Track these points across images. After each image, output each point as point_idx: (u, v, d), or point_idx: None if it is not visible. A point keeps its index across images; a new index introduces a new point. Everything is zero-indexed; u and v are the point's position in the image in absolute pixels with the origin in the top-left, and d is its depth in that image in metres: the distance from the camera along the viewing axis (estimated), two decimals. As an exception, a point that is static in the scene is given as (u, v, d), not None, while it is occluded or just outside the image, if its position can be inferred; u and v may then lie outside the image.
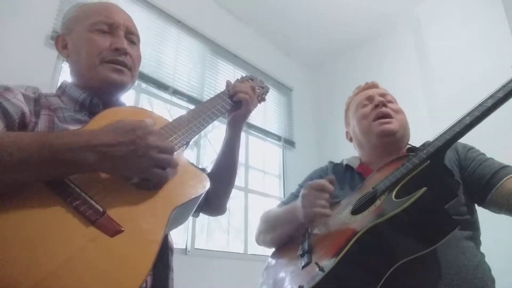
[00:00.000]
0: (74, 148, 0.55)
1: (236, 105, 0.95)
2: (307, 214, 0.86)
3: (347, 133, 1.18)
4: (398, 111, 1.05)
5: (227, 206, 1.01)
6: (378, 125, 1.00)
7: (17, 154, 0.52)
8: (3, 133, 0.60)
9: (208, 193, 0.74)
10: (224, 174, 0.97)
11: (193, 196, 0.68)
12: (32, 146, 0.53)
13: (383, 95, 1.08)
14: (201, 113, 0.84)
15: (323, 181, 0.88)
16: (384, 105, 1.03)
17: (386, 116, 1.01)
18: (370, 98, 1.08)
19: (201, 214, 1.00)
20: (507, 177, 0.83)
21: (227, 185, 0.98)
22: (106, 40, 0.80)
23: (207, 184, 0.73)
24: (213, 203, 0.96)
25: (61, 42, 0.85)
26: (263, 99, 1.07)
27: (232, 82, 1.02)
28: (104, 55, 0.79)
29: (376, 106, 1.03)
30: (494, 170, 0.86)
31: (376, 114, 1.02)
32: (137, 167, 0.61)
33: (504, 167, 0.87)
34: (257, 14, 3.05)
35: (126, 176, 0.63)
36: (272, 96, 3.20)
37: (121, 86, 0.82)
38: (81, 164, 0.56)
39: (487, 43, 2.36)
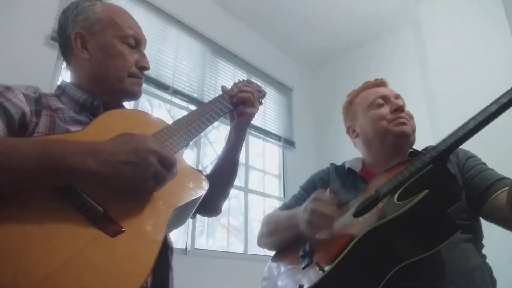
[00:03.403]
0: (75, 153, 0.54)
1: (235, 107, 0.95)
2: (308, 231, 0.85)
3: (348, 128, 1.14)
4: (412, 117, 1.04)
5: (226, 206, 1.02)
6: (397, 125, 0.99)
7: (16, 159, 0.51)
8: (2, 137, 0.59)
9: (206, 194, 0.74)
10: (224, 176, 0.97)
11: (193, 198, 0.69)
12: (32, 151, 0.52)
13: (397, 97, 1.06)
14: (200, 116, 0.85)
15: (330, 200, 0.85)
16: (403, 110, 1.02)
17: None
18: (385, 98, 1.05)
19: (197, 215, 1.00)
20: (501, 190, 0.82)
21: (226, 187, 0.99)
22: (133, 55, 0.85)
23: (206, 186, 0.74)
24: (210, 204, 0.95)
25: (81, 39, 0.81)
26: (260, 103, 1.07)
27: (228, 86, 1.02)
28: (131, 70, 0.83)
29: (396, 110, 1.01)
30: (491, 181, 0.85)
31: (396, 119, 1.00)
32: (138, 176, 0.58)
33: (501, 179, 0.85)
34: (257, 14, 3.05)
35: (125, 186, 0.59)
36: (272, 96, 3.20)
37: (137, 97, 0.89)
38: (81, 170, 0.54)
39: (487, 43, 2.36)
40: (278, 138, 3.09)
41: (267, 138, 3.02)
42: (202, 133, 2.56)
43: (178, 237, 2.16)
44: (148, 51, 0.91)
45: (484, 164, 0.94)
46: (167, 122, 0.81)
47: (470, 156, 0.96)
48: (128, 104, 0.94)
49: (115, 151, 0.57)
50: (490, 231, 0.92)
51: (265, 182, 3.03)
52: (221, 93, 0.98)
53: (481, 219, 0.91)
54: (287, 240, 0.96)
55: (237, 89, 0.96)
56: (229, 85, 1.03)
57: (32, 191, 0.54)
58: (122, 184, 0.58)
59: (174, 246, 0.83)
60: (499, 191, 0.82)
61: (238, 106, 0.95)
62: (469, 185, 0.89)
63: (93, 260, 0.50)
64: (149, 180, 0.59)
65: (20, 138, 0.59)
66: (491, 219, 0.84)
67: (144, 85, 2.35)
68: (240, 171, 2.74)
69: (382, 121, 1.01)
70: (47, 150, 0.53)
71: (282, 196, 2.99)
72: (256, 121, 2.89)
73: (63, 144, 0.56)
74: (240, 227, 2.68)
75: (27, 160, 0.51)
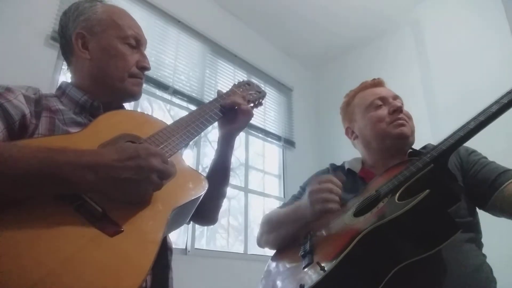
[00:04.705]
0: (76, 167, 0.54)
1: (225, 115, 0.93)
2: (316, 211, 0.84)
3: (347, 129, 1.14)
4: (410, 118, 1.03)
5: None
6: (396, 127, 0.99)
7: (16, 168, 0.51)
8: (4, 144, 0.59)
9: (200, 204, 0.73)
10: (216, 185, 0.94)
11: (192, 198, 0.69)
12: (34, 163, 0.52)
13: (396, 98, 1.06)
14: (199, 117, 0.85)
15: (332, 177, 0.88)
16: (401, 111, 1.01)
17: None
18: (383, 100, 1.04)
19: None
20: (509, 181, 0.82)
21: (218, 199, 0.98)
22: (134, 55, 0.85)
23: (206, 186, 0.73)
24: (204, 212, 0.93)
25: (81, 40, 0.81)
26: (260, 104, 1.06)
27: (228, 87, 1.01)
28: (132, 70, 0.83)
29: (394, 111, 1.01)
30: (497, 173, 0.85)
31: (395, 120, 1.00)
32: (137, 192, 0.59)
33: (507, 170, 0.86)
34: (257, 14, 3.05)
35: (124, 200, 0.59)
36: (272, 96, 3.20)
37: (137, 98, 0.88)
38: (81, 183, 0.54)
39: (487, 43, 2.36)
40: (278, 138, 3.09)
41: (267, 138, 3.01)
42: (202, 133, 2.57)
43: (178, 237, 2.16)
44: (148, 51, 0.91)
45: (486, 158, 0.94)
46: (166, 123, 0.81)
47: (472, 151, 0.96)
48: (128, 104, 0.94)
49: (117, 166, 0.56)
50: (490, 230, 0.92)
51: (265, 182, 3.03)
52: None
53: (479, 218, 0.91)
54: (289, 235, 0.95)
55: (229, 101, 0.93)
56: (229, 86, 1.02)
57: (28, 198, 0.53)
58: (121, 197, 0.59)
59: (174, 246, 0.83)
60: (507, 182, 0.82)
61: (228, 112, 0.93)
62: (475, 179, 0.88)
63: (92, 260, 0.50)
64: (148, 193, 0.61)
65: (22, 146, 0.57)
66: (500, 211, 0.84)
67: (144, 85, 2.36)
68: (240, 171, 2.74)
69: (381, 123, 1.01)
70: (48, 162, 0.53)
71: (282, 196, 2.99)
72: (256, 121, 2.88)
73: (64, 155, 0.55)
74: (240, 227, 2.68)
75: (29, 171, 0.52)
